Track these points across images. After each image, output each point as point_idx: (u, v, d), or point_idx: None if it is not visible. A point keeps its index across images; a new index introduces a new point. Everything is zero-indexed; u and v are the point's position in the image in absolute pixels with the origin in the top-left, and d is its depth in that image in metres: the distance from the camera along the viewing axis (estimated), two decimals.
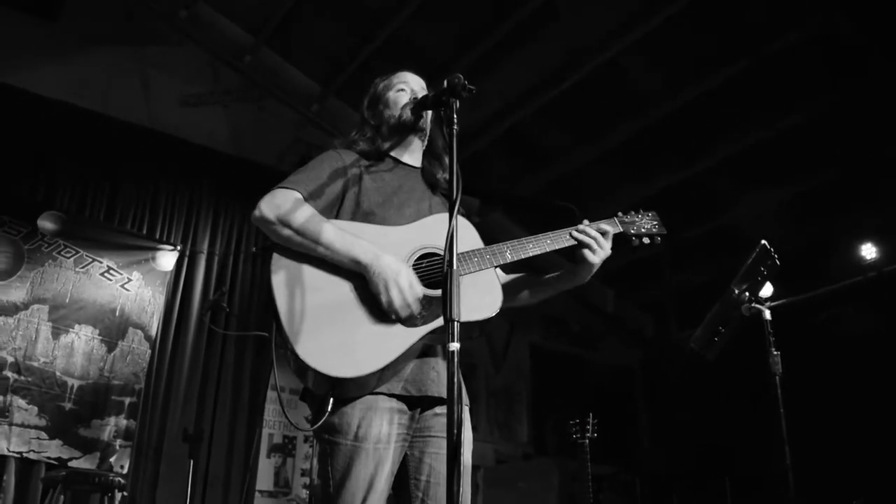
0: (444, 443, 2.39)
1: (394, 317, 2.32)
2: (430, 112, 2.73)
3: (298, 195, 2.45)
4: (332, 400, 2.31)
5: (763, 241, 3.56)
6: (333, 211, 2.54)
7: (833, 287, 8.24)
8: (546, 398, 10.53)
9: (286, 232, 2.37)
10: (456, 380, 1.84)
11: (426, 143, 2.84)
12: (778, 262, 3.58)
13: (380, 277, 2.31)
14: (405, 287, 2.32)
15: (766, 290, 3.78)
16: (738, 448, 9.06)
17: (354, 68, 8.01)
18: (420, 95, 2.67)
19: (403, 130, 2.75)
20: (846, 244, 8.52)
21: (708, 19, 6.94)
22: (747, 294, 3.49)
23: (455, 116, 2.16)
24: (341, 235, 2.38)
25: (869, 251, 8.34)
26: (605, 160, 8.70)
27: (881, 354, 8.05)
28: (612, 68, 7.57)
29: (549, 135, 8.75)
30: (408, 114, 2.69)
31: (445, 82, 2.18)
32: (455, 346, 1.85)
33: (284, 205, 2.40)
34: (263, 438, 7.67)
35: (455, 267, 1.93)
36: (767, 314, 3.45)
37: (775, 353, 3.41)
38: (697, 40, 7.19)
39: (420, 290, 2.36)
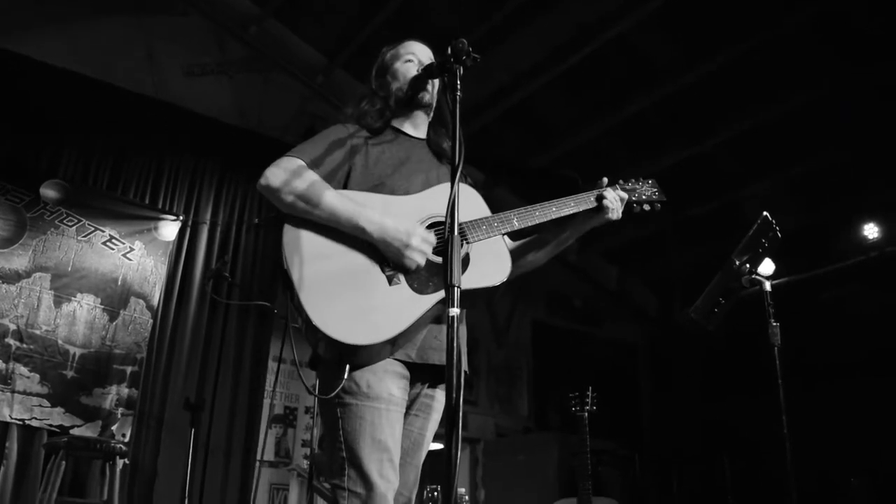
0: (417, 421, 2.49)
1: (415, 283, 2.35)
2: (437, 83, 2.72)
3: (302, 162, 2.45)
4: (348, 367, 2.30)
5: (765, 213, 3.57)
6: (341, 182, 2.53)
7: (835, 266, 8.24)
8: (548, 374, 10.55)
9: (290, 198, 2.37)
10: (455, 345, 1.83)
11: (432, 115, 2.83)
12: (779, 235, 3.59)
13: (391, 246, 2.34)
14: (421, 245, 2.35)
15: (768, 267, 3.79)
16: (738, 426, 9.09)
17: (361, 40, 7.95)
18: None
19: (411, 104, 2.75)
20: (849, 224, 8.52)
21: None
22: (748, 266, 3.50)
23: (458, 83, 2.14)
24: (344, 202, 2.38)
25: (871, 231, 8.36)
26: (613, 136, 8.67)
27: (883, 333, 8.06)
28: (621, 43, 7.52)
29: (558, 109, 8.70)
30: (416, 88, 2.70)
31: (449, 48, 2.16)
32: (455, 311, 1.85)
33: (289, 172, 2.41)
34: (264, 408, 7.70)
35: (456, 233, 1.94)
36: (767, 286, 3.46)
37: (774, 324, 3.43)
38: (709, 15, 7.11)
39: (434, 238, 2.40)
